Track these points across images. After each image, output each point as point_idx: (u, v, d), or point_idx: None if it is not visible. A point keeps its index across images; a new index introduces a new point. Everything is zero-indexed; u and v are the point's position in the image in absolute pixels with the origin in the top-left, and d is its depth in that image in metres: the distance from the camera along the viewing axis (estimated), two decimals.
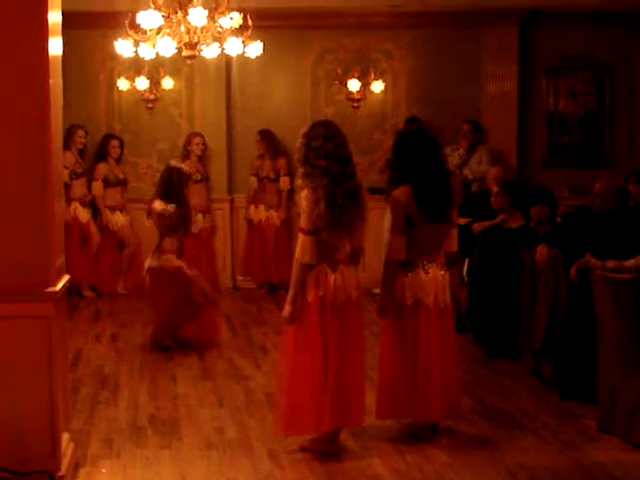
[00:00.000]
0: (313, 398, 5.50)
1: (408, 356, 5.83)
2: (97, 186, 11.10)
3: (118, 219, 11.20)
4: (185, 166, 9.08)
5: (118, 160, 11.28)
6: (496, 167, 9.66)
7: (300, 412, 5.55)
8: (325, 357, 5.50)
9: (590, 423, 6.20)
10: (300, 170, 5.57)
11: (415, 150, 5.81)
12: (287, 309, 5.54)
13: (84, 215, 11.02)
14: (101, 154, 11.18)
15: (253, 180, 11.42)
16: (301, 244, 5.46)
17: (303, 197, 5.47)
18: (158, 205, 8.29)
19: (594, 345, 6.24)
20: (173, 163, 8.75)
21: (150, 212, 8.43)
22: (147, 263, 8.42)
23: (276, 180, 11.33)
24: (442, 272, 5.90)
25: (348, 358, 5.57)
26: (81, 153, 11.15)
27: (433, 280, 5.83)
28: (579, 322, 6.68)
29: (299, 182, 5.58)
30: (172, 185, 8.33)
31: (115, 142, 11.20)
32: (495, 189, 8.63)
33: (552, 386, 7.01)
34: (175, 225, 8.31)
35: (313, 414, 5.51)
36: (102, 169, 11.13)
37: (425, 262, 5.84)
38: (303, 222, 5.46)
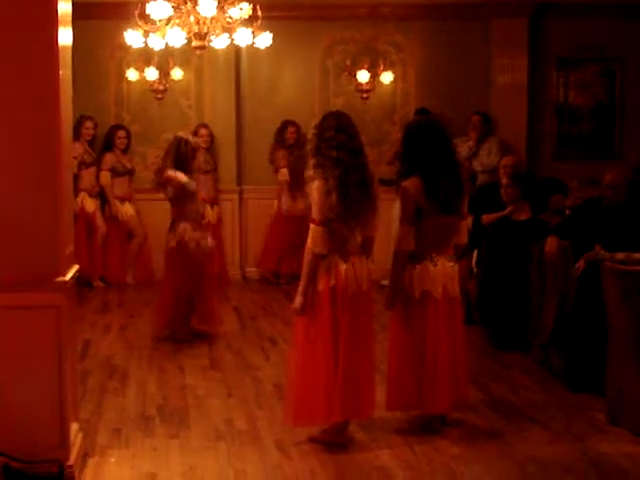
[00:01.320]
0: (323, 389, 5.49)
1: (416, 348, 5.80)
2: (105, 176, 11.11)
3: (127, 209, 11.22)
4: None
5: (125, 150, 11.28)
6: (508, 156, 9.58)
7: (310, 403, 5.54)
8: (335, 348, 5.49)
9: (599, 415, 6.18)
10: (312, 161, 5.55)
11: (425, 141, 5.78)
12: (298, 300, 5.53)
13: (90, 205, 11.03)
14: (108, 144, 11.19)
15: (284, 172, 11.19)
16: (313, 234, 5.45)
17: (315, 188, 5.46)
18: (181, 176, 8.13)
19: (603, 337, 6.22)
20: (181, 134, 8.62)
21: (168, 181, 8.18)
22: (168, 242, 8.30)
23: None
24: (451, 264, 5.87)
25: (358, 349, 5.55)
26: (91, 143, 11.16)
27: (441, 272, 5.80)
28: (588, 314, 6.66)
29: (310, 173, 5.57)
30: (182, 155, 8.19)
31: (121, 132, 11.20)
32: (505, 180, 8.59)
33: (561, 378, 7.00)
34: (190, 194, 8.24)
35: (323, 405, 5.50)
36: (109, 159, 11.14)
37: (433, 254, 5.81)
38: (315, 213, 5.45)
